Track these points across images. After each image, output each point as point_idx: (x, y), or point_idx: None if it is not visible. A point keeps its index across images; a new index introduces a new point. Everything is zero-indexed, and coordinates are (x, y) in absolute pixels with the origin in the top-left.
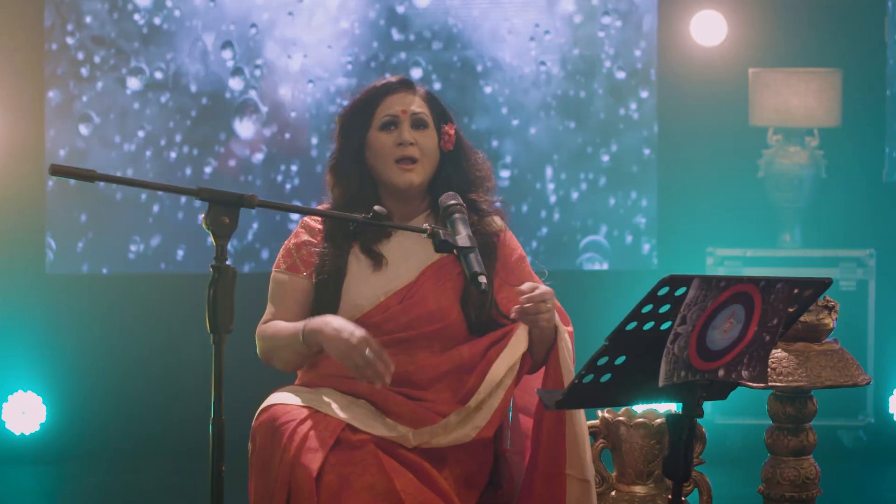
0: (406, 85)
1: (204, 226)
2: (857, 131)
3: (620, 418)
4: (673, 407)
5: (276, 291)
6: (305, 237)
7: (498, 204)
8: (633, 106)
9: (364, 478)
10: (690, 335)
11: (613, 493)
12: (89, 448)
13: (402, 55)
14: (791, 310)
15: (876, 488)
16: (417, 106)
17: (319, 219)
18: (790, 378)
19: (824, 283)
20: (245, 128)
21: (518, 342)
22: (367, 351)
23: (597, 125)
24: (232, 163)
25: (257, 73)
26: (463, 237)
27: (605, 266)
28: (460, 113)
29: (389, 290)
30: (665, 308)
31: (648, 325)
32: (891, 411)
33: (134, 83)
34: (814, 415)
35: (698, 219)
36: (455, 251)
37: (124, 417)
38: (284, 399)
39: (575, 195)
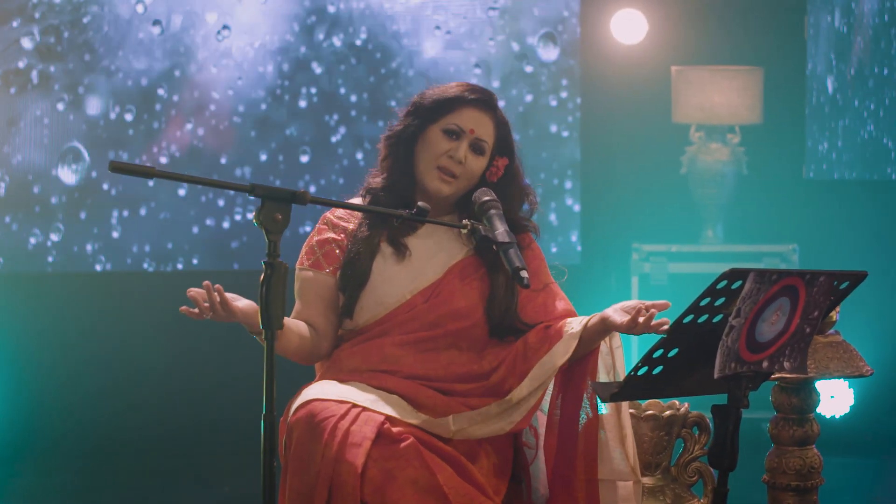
0: (488, 105)
1: (256, 222)
2: (778, 128)
3: (630, 410)
4: (676, 401)
5: (300, 289)
6: (328, 234)
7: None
8: (555, 104)
9: (407, 472)
10: (742, 327)
11: None
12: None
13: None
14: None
15: None
16: (486, 133)
17: (341, 214)
18: None
19: (860, 276)
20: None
21: (568, 344)
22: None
23: (519, 123)
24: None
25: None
26: (501, 233)
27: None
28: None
29: (415, 289)
30: (720, 301)
31: (703, 318)
32: None
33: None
34: (816, 405)
35: (623, 215)
36: (495, 246)
37: (39, 418)
38: (319, 394)
39: None
